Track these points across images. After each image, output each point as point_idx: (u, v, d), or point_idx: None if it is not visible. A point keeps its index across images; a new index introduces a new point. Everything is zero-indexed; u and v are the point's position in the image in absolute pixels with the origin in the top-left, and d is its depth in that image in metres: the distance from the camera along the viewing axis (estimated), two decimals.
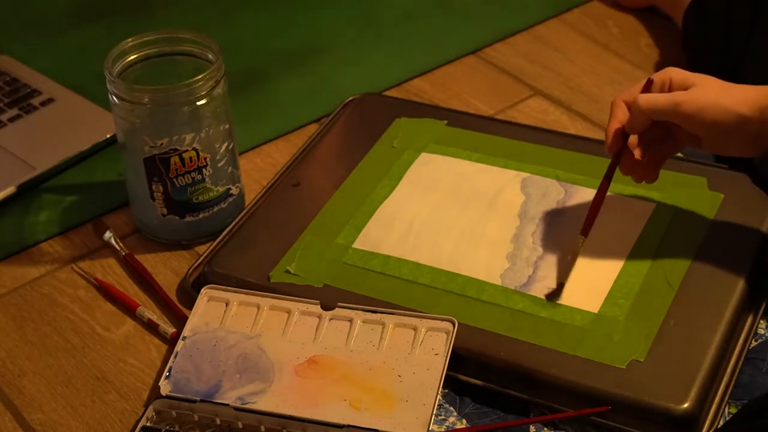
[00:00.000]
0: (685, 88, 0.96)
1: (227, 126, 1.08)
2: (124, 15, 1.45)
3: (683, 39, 1.32)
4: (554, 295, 0.98)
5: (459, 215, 1.07)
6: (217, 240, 1.09)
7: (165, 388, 0.94)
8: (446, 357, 0.93)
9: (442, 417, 0.93)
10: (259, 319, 0.98)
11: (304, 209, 1.09)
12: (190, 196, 1.08)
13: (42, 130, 1.24)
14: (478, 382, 0.94)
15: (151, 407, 0.93)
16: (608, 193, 1.02)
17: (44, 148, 1.21)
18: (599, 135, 1.20)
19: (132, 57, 1.08)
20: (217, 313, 0.99)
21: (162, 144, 1.04)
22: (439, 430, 0.92)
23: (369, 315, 0.97)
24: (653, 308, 0.96)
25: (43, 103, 1.27)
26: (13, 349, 1.03)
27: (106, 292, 1.07)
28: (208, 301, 1.01)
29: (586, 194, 1.06)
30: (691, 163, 1.10)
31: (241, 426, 0.92)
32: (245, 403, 0.92)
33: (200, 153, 1.06)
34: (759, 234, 1.02)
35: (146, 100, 1.03)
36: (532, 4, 1.44)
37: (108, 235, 1.12)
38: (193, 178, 1.07)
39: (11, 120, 1.25)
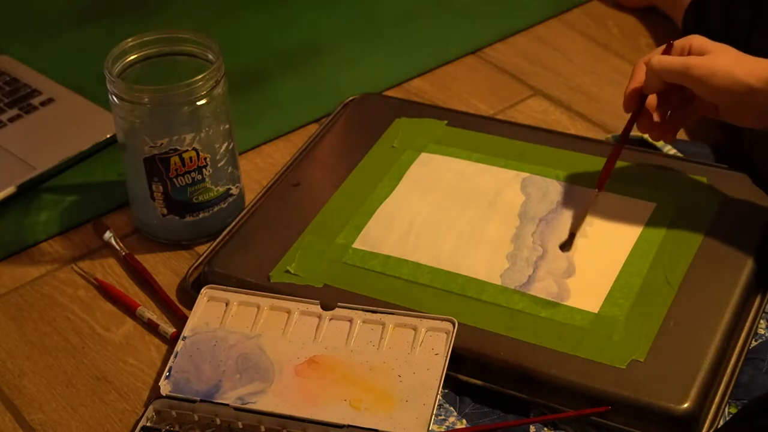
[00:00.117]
0: (703, 55, 0.98)
1: (227, 126, 1.08)
2: (124, 15, 1.45)
3: None
4: (566, 245, 1.01)
5: (459, 215, 1.07)
6: (217, 240, 1.09)
7: (165, 388, 0.94)
8: (446, 357, 0.93)
9: (442, 417, 0.93)
10: (259, 319, 0.98)
11: (304, 209, 1.09)
12: (190, 196, 1.08)
13: (42, 130, 1.24)
14: (478, 382, 0.94)
15: (151, 407, 0.93)
16: (608, 193, 1.02)
17: (44, 148, 1.21)
18: (599, 135, 1.21)
19: (132, 57, 1.08)
20: (217, 313, 0.99)
21: (162, 144, 1.04)
22: (439, 430, 0.92)
23: (369, 315, 0.97)
24: (653, 308, 0.96)
25: (43, 103, 1.27)
26: (13, 349, 1.03)
27: (106, 292, 1.07)
28: (208, 301, 1.01)
29: (586, 194, 1.06)
30: (691, 163, 1.10)
31: (241, 426, 0.92)
32: (245, 403, 0.92)
33: (200, 153, 1.06)
34: (759, 234, 1.02)
35: (146, 100, 1.03)
36: (532, 4, 1.44)
37: (108, 235, 1.12)
38: (193, 178, 1.07)
39: (11, 120, 1.25)
